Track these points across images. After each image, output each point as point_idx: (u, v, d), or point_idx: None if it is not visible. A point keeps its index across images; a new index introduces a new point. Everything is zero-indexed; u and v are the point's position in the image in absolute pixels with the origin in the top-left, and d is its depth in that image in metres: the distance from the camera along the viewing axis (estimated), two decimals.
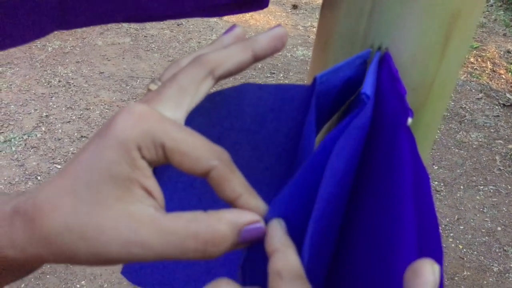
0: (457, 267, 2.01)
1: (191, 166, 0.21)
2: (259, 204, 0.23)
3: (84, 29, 3.50)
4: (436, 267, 0.18)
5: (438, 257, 0.21)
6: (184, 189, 0.29)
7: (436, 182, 2.53)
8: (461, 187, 2.51)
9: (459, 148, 2.84)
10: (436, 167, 2.66)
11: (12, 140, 2.48)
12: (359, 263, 0.27)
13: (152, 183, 0.21)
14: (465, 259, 2.05)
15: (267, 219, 0.23)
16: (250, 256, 0.24)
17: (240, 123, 0.27)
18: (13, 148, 2.41)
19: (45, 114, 2.74)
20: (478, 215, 2.32)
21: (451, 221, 2.27)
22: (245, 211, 0.22)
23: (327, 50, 0.34)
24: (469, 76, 3.78)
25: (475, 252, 2.09)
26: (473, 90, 3.57)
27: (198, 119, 0.27)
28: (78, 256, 0.21)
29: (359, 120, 0.24)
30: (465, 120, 3.16)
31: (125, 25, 3.81)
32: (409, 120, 0.24)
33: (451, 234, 2.19)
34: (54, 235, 0.20)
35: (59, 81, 3.05)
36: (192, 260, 0.35)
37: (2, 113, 2.70)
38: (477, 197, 2.43)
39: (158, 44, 3.58)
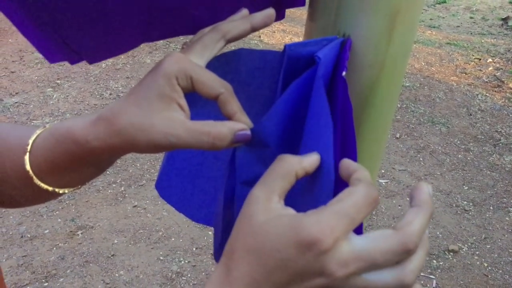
0: (481, 284, 2.02)
1: (207, 91, 0.34)
2: (247, 120, 0.36)
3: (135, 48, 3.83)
4: (429, 186, 0.32)
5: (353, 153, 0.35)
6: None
7: (465, 202, 2.55)
8: (491, 208, 2.51)
9: (491, 170, 2.84)
10: (466, 188, 2.67)
11: None
12: None
13: (184, 102, 0.34)
14: (490, 276, 2.06)
15: (252, 130, 0.36)
16: (238, 155, 0.38)
17: (238, 77, 0.41)
18: None
19: None
20: (506, 235, 2.31)
21: (478, 240, 2.28)
22: (240, 123, 0.36)
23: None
24: (507, 101, 3.75)
25: (500, 271, 2.09)
26: (510, 115, 3.54)
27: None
28: (138, 142, 0.33)
29: (319, 71, 0.37)
30: (500, 144, 3.14)
31: (172, 45, 4.08)
32: (343, 73, 0.37)
33: (477, 252, 2.20)
34: (124, 129, 0.33)
35: (110, 93, 3.32)
36: (206, 190, 0.49)
37: (59, 121, 2.97)
38: (507, 218, 2.43)
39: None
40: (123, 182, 2.49)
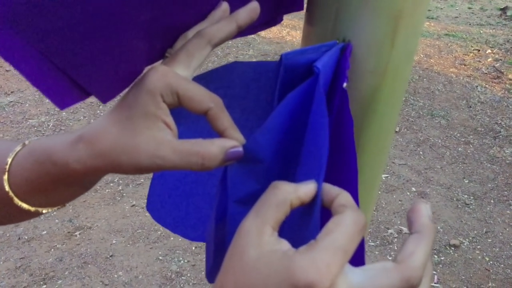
0: (483, 278, 2.01)
1: (194, 107, 0.32)
2: (239, 136, 0.34)
3: None
4: (427, 205, 0.30)
5: (354, 175, 0.32)
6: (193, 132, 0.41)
7: (466, 196, 2.53)
8: (492, 201, 2.49)
9: (492, 163, 2.82)
10: (467, 181, 2.66)
11: None
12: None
13: (170, 119, 0.32)
14: (491, 271, 2.05)
15: (244, 147, 0.34)
16: (230, 173, 0.35)
17: (231, 91, 0.38)
18: None
19: (93, 120, 2.96)
20: (507, 229, 2.30)
21: (479, 234, 2.27)
22: (231, 140, 0.33)
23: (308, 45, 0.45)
24: (507, 92, 3.73)
25: (502, 265, 2.08)
26: (510, 107, 3.52)
27: None
28: (122, 165, 0.31)
29: (319, 84, 0.35)
30: (500, 136, 3.12)
31: None
32: (344, 84, 0.34)
33: (478, 247, 2.19)
34: (106, 151, 0.30)
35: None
36: (201, 208, 0.46)
37: (55, 119, 2.94)
38: (507, 212, 2.41)
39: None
40: (120, 181, 2.47)
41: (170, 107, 0.32)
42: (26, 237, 2.09)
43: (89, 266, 1.97)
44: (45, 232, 2.13)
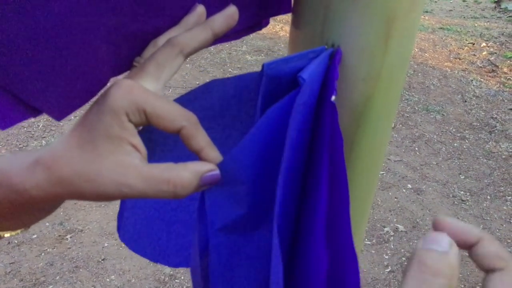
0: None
1: (166, 126, 0.28)
2: (217, 155, 0.30)
3: None
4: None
5: (345, 198, 0.29)
6: (169, 150, 0.37)
7: (462, 192, 2.51)
8: (488, 197, 2.47)
9: (488, 158, 2.80)
10: (463, 177, 2.64)
11: None
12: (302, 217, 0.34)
13: (137, 141, 0.28)
14: None
15: (222, 167, 0.30)
16: (206, 197, 0.32)
17: (211, 111, 0.35)
18: None
19: None
20: (504, 225, 2.28)
21: None
22: (206, 163, 0.29)
23: (295, 52, 0.41)
24: (501, 86, 3.71)
25: None
26: (506, 101, 3.50)
27: None
28: (84, 193, 0.28)
29: (300, 98, 0.31)
30: (496, 130, 3.10)
31: None
32: (333, 97, 0.31)
33: None
34: (67, 178, 0.27)
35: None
36: (184, 234, 0.42)
37: (45, 119, 2.89)
38: (504, 208, 2.40)
39: (191, 55, 3.73)
40: None
41: (138, 126, 0.29)
42: (16, 241, 2.05)
43: (80, 270, 1.93)
44: (35, 236, 2.09)
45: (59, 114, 0.29)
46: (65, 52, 0.27)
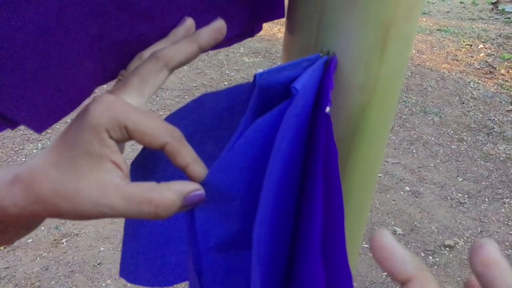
0: None
1: (149, 142, 0.27)
2: (203, 171, 0.29)
3: None
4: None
5: (339, 214, 0.27)
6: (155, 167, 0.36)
7: (460, 194, 2.50)
8: (486, 199, 2.47)
9: (486, 161, 2.80)
10: (461, 179, 2.63)
11: None
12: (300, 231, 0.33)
13: (119, 158, 0.27)
14: None
15: (209, 183, 0.29)
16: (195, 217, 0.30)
17: (203, 126, 0.33)
18: None
19: None
20: (502, 228, 2.27)
21: (474, 234, 2.24)
22: (190, 182, 0.28)
23: (289, 60, 0.40)
24: (499, 88, 3.71)
25: None
26: (503, 102, 3.50)
27: None
28: (62, 212, 0.26)
29: (292, 109, 0.30)
30: (493, 132, 3.10)
31: None
32: (327, 109, 0.29)
33: None
34: (45, 196, 0.26)
35: (95, 91, 3.22)
36: (179, 251, 0.41)
37: None
38: (502, 210, 2.39)
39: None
40: None
41: (119, 142, 0.27)
42: (11, 246, 2.03)
43: (76, 275, 1.91)
44: (30, 240, 2.07)
45: (40, 126, 0.28)
46: (46, 60, 0.26)
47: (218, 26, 0.31)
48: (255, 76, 0.31)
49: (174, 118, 0.33)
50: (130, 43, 0.31)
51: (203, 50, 0.31)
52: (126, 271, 0.42)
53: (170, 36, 0.32)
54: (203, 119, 0.34)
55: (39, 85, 0.26)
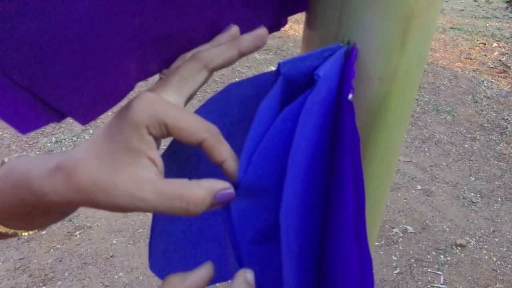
0: (490, 279, 1.97)
1: (187, 139, 0.28)
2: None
3: None
4: None
5: (361, 200, 0.28)
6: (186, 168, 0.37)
7: (472, 194, 2.48)
8: (499, 199, 2.45)
9: (499, 160, 2.77)
10: (473, 178, 2.61)
11: (63, 141, 2.67)
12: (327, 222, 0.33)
13: (155, 154, 0.28)
14: (499, 271, 2.00)
15: (243, 178, 0.29)
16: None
17: (230, 118, 0.34)
18: (63, 149, 2.60)
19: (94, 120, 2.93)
20: None
21: (486, 233, 2.22)
22: (220, 181, 0.29)
23: (309, 51, 0.41)
24: None
25: (510, 265, 2.04)
26: None
27: None
28: (99, 203, 0.28)
29: (315, 97, 0.30)
30: (507, 132, 3.07)
31: None
32: (350, 96, 0.30)
33: (485, 246, 2.14)
34: (83, 186, 0.27)
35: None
36: (212, 251, 0.42)
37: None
38: None
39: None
40: None
41: (158, 138, 0.29)
42: (26, 237, 2.07)
43: (89, 266, 1.94)
44: (44, 232, 2.11)
45: (85, 118, 0.29)
46: (91, 53, 0.27)
47: (261, 34, 0.32)
48: (278, 64, 0.31)
49: (200, 112, 0.34)
50: (169, 39, 0.32)
51: (243, 55, 0.32)
52: (157, 266, 0.42)
53: (214, 42, 0.33)
54: (230, 111, 0.34)
55: (84, 78, 0.27)
